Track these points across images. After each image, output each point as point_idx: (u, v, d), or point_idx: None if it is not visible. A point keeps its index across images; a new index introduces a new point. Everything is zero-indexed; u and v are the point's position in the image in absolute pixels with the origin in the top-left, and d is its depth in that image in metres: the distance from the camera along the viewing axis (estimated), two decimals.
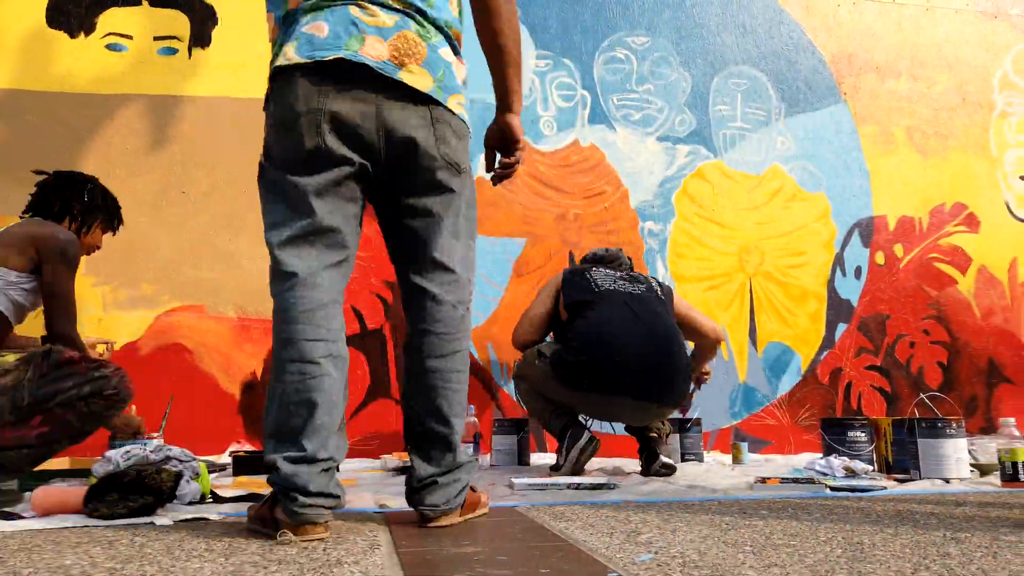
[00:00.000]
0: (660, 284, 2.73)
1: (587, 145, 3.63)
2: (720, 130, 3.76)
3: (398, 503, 1.87)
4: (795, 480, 2.26)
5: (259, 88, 3.38)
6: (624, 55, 3.73)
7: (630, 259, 2.93)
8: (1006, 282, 3.92)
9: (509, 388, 3.37)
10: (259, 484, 2.31)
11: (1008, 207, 3.99)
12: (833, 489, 2.13)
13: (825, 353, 3.68)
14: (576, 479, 2.24)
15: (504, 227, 3.48)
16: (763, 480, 2.26)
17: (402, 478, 2.48)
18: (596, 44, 3.71)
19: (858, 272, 3.79)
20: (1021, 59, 4.14)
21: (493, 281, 3.43)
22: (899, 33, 4.03)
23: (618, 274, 2.70)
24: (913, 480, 2.36)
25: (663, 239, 3.61)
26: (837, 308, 3.73)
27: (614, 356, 2.43)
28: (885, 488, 2.15)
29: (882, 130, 3.91)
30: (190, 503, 1.81)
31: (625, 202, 3.61)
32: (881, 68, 3.98)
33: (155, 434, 2.62)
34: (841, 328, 3.71)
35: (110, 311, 3.12)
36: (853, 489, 2.12)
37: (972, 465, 2.57)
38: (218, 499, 1.89)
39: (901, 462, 2.54)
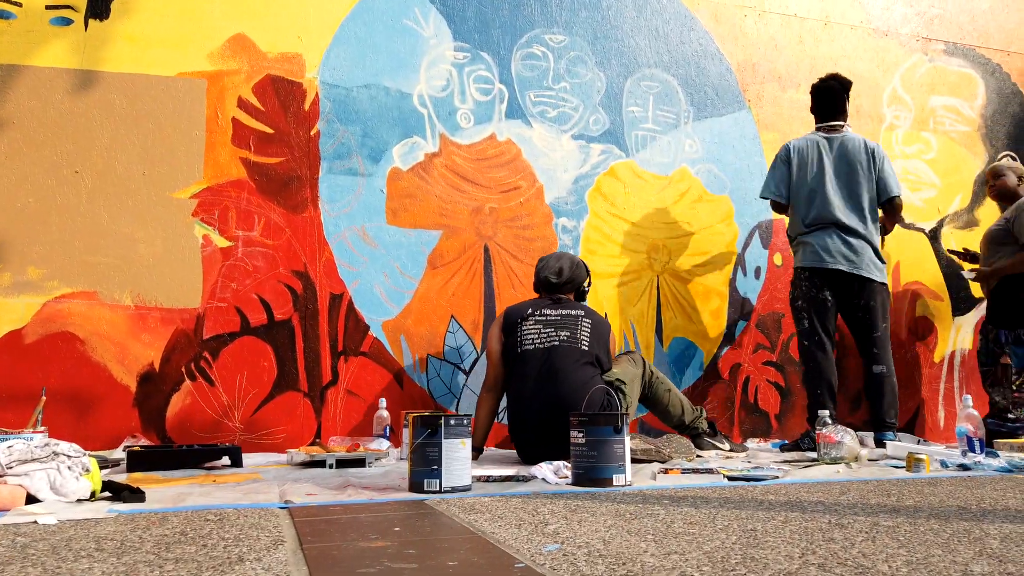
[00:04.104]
0: (593, 322, 2.88)
1: (504, 140, 3.64)
2: (632, 131, 3.86)
3: (304, 498, 1.83)
4: (695, 471, 2.35)
5: (160, 65, 3.23)
6: (541, 52, 3.76)
7: (587, 272, 3.11)
8: (889, 284, 4.19)
9: (421, 380, 3.36)
10: (155, 480, 2.21)
11: None
12: (730, 479, 2.23)
13: (726, 349, 3.84)
14: (487, 471, 2.26)
15: (420, 219, 3.46)
16: (665, 471, 2.34)
17: (309, 472, 2.44)
18: (514, 40, 3.72)
19: (758, 272, 3.97)
20: (908, 76, 4.43)
21: (407, 273, 3.40)
22: (799, 45, 4.24)
23: (549, 317, 2.85)
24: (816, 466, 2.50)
25: (576, 236, 3.67)
26: (738, 306, 3.90)
27: (528, 431, 2.75)
28: (778, 478, 2.27)
29: (783, 137, 4.10)
30: (79, 501, 1.72)
31: (540, 198, 3.65)
32: (783, 78, 4.17)
33: (41, 428, 2.47)
34: (741, 325, 3.88)
35: None
36: (748, 479, 2.23)
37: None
38: (112, 496, 1.80)
39: None
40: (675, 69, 3.98)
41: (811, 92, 3.61)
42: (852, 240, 3.37)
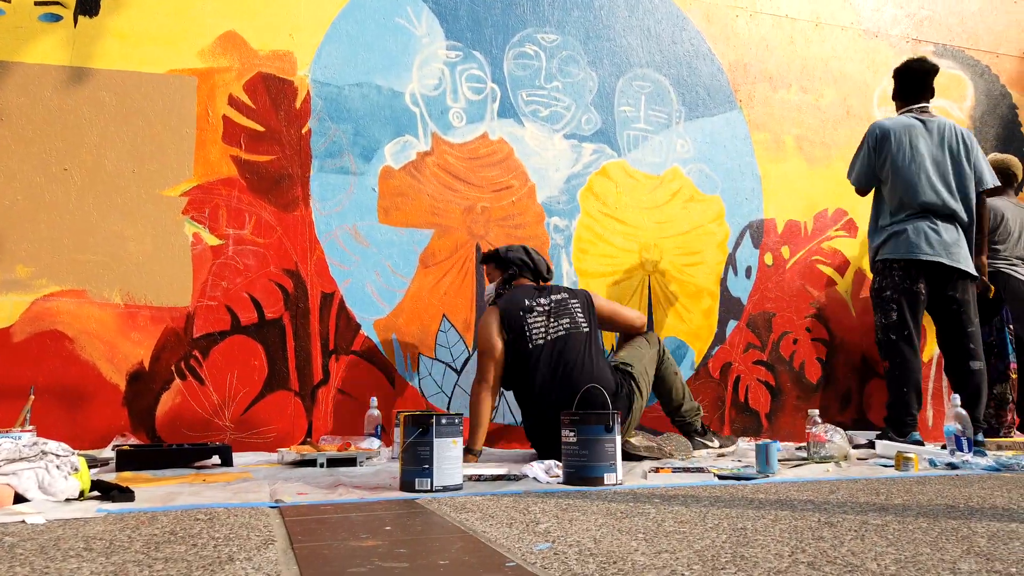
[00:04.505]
0: (578, 298, 2.92)
1: (496, 139, 3.64)
2: (624, 130, 3.86)
3: (294, 497, 1.83)
4: (686, 469, 2.36)
5: (151, 62, 3.21)
6: (534, 51, 3.76)
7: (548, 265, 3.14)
8: None
9: (412, 379, 3.35)
10: (145, 479, 2.20)
11: None
12: (721, 478, 2.24)
13: (717, 348, 3.85)
14: (478, 470, 2.26)
15: (412, 218, 3.45)
16: (656, 470, 2.35)
17: (300, 471, 2.43)
18: (507, 39, 3.72)
19: (748, 272, 3.98)
20: None
21: (399, 272, 3.40)
22: (791, 46, 4.26)
23: (546, 306, 2.83)
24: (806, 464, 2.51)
25: (568, 235, 3.68)
26: (729, 305, 3.91)
27: (551, 427, 2.55)
28: (768, 476, 2.28)
29: (773, 137, 4.12)
30: (67, 500, 1.71)
31: (532, 197, 3.65)
32: (774, 78, 4.19)
33: (29, 427, 2.45)
34: (732, 325, 3.89)
35: None
36: (738, 477, 2.23)
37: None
38: (101, 496, 1.79)
39: None
40: (667, 69, 3.99)
41: (895, 75, 3.50)
42: (952, 229, 3.25)
